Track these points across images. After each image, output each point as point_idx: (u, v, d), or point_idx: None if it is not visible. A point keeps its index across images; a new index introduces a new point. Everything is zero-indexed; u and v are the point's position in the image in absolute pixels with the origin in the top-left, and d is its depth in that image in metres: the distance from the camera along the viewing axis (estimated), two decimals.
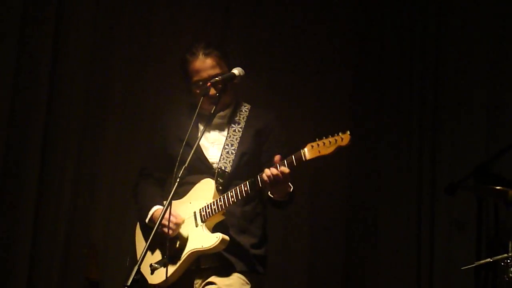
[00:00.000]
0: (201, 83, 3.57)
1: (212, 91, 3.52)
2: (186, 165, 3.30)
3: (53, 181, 4.97)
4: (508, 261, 3.82)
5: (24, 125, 4.90)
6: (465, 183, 4.25)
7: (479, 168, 4.24)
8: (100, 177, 5.14)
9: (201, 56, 3.59)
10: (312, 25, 5.61)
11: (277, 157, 3.38)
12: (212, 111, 3.50)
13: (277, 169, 3.34)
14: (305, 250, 5.49)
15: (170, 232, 3.44)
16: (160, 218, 3.21)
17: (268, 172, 3.36)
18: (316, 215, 5.50)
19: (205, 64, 3.59)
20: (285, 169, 3.34)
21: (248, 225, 3.58)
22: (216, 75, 3.55)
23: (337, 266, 5.51)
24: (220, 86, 3.51)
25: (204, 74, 3.57)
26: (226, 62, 3.62)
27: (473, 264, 3.98)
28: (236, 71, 3.53)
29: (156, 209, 3.60)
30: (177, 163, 3.31)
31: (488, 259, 3.88)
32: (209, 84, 3.50)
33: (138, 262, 3.06)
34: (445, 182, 4.48)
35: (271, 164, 3.39)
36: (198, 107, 3.45)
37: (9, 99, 4.83)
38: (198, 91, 3.57)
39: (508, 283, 3.84)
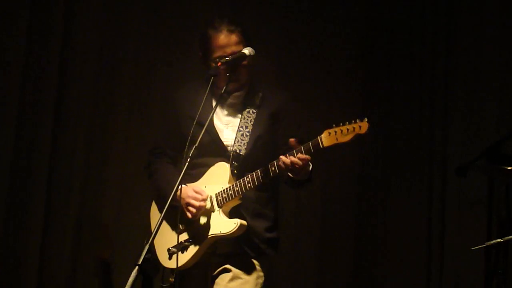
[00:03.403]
0: (228, 58, 3.51)
1: (223, 71, 3.50)
2: (197, 144, 3.29)
3: (64, 161, 5.00)
4: None
5: (34, 107, 4.93)
6: (477, 164, 4.23)
7: (491, 149, 4.21)
8: (111, 157, 5.16)
9: (226, 32, 3.56)
10: (323, 9, 5.59)
11: (292, 140, 3.35)
12: (223, 91, 3.49)
13: (295, 156, 3.33)
14: (316, 230, 5.49)
15: (194, 210, 3.47)
16: (166, 206, 3.16)
17: (286, 160, 3.34)
18: (327, 196, 5.51)
19: (230, 40, 3.55)
20: (303, 156, 3.33)
21: (263, 209, 3.58)
22: (232, 53, 3.52)
23: (347, 244, 5.52)
24: (231, 66, 3.49)
25: (229, 50, 3.54)
26: (247, 40, 3.59)
27: (483, 244, 3.98)
28: (246, 51, 3.52)
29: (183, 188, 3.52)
30: (187, 143, 3.31)
31: (499, 239, 3.87)
32: (219, 64, 3.49)
33: (150, 241, 3.07)
34: (456, 163, 4.47)
35: (288, 149, 3.38)
36: (209, 87, 3.43)
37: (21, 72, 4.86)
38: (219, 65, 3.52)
39: None
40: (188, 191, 3.51)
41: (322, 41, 5.57)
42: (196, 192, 3.51)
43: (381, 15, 5.67)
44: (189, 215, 3.51)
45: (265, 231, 3.57)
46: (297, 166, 3.35)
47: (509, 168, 3.97)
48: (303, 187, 3.56)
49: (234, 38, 3.56)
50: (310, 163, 3.43)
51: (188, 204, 3.50)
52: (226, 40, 3.56)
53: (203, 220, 3.52)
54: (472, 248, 4.04)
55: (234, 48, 3.54)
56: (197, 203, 3.49)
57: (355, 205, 5.55)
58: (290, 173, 3.44)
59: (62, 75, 5.00)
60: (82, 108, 5.08)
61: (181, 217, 3.50)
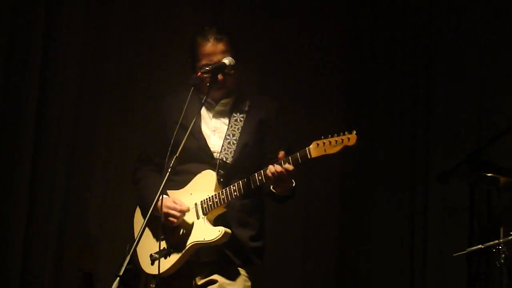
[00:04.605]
0: (208, 68, 3.51)
1: (220, 77, 3.51)
2: (177, 154, 3.27)
3: (47, 171, 4.99)
4: (500, 247, 3.84)
5: (17, 110, 4.92)
6: (458, 171, 4.25)
7: (471, 156, 4.24)
8: (95, 167, 5.15)
9: (213, 40, 3.56)
10: (305, 19, 5.61)
11: (281, 153, 3.37)
12: (203, 100, 3.49)
13: (282, 166, 3.34)
14: (299, 235, 5.50)
15: (175, 220, 3.46)
16: (149, 213, 3.15)
17: (272, 169, 3.35)
18: (309, 204, 5.51)
19: (216, 49, 3.55)
20: (290, 167, 3.34)
21: (247, 218, 3.57)
22: (207, 65, 3.51)
23: (331, 250, 5.52)
24: (210, 75, 3.48)
25: (215, 59, 3.54)
26: (235, 50, 3.59)
27: (465, 250, 4.00)
28: (226, 60, 3.52)
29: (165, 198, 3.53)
30: (169, 148, 3.30)
31: (480, 246, 3.90)
32: (199, 73, 3.49)
33: (131, 252, 3.06)
34: (438, 170, 4.49)
35: (275, 160, 3.38)
36: (189, 97, 3.41)
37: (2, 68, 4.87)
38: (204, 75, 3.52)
39: (500, 268, 3.87)
40: (167, 201, 3.51)
41: (305, 51, 5.59)
42: (175, 203, 3.51)
43: (363, 27, 5.70)
44: (170, 223, 3.51)
45: (250, 240, 3.56)
46: (282, 177, 3.35)
47: (490, 174, 4.00)
48: (284, 203, 3.57)
49: (220, 46, 3.57)
50: (293, 181, 3.45)
51: (167, 215, 3.50)
52: (212, 48, 3.56)
53: (187, 227, 3.52)
54: (454, 255, 4.07)
55: (219, 57, 3.55)
56: (174, 212, 3.50)
57: (338, 213, 5.56)
58: (274, 187, 3.45)
59: (43, 84, 4.99)
60: (64, 118, 5.07)
61: (164, 225, 3.51)
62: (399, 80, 5.60)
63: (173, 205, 3.51)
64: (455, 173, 4.23)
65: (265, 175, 3.39)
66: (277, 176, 3.35)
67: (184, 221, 3.53)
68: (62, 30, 5.08)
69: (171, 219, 3.50)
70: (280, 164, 3.34)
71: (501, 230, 3.90)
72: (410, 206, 5.42)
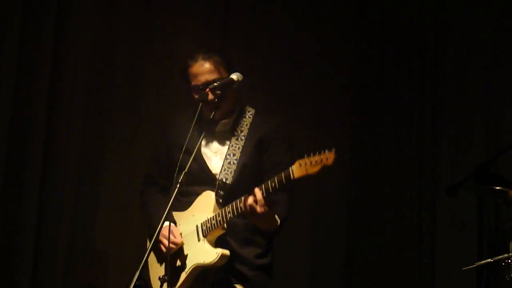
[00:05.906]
0: (200, 87, 3.51)
1: (210, 97, 3.48)
2: (186, 170, 3.28)
3: (55, 187, 5.00)
4: (509, 261, 3.82)
5: (25, 128, 4.94)
6: (466, 184, 4.25)
7: (479, 169, 4.23)
8: (103, 182, 5.16)
9: (200, 60, 3.54)
10: (309, 27, 5.61)
11: (256, 190, 3.35)
12: (211, 117, 3.48)
13: (259, 192, 3.32)
14: (306, 252, 5.48)
15: (167, 251, 3.44)
16: (156, 234, 3.19)
17: (245, 202, 3.35)
18: (317, 218, 5.50)
19: (202, 68, 3.53)
20: (259, 195, 3.32)
21: (252, 236, 3.56)
22: (213, 81, 3.50)
23: (338, 265, 5.51)
24: (218, 91, 3.47)
25: (202, 79, 3.52)
26: (227, 68, 3.56)
27: (474, 264, 3.99)
28: (234, 76, 3.49)
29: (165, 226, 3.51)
30: (176, 171, 3.31)
31: (489, 259, 3.89)
32: (207, 89, 3.48)
33: (140, 268, 3.07)
34: (446, 184, 4.49)
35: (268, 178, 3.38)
36: (197, 114, 3.42)
37: (11, 93, 4.88)
38: (196, 96, 3.52)
39: (509, 283, 3.86)
40: (164, 230, 3.46)
41: (309, 53, 5.58)
42: (173, 234, 3.51)
43: (370, 45, 5.70)
44: (162, 248, 3.52)
45: (256, 258, 3.55)
46: (253, 209, 3.33)
47: (498, 188, 3.99)
48: (269, 237, 3.56)
49: (207, 66, 3.54)
50: (278, 218, 3.45)
51: (160, 242, 3.51)
52: (198, 68, 3.54)
53: (190, 249, 3.53)
54: (463, 268, 4.06)
55: (207, 77, 3.52)
56: (165, 241, 3.47)
57: (345, 226, 5.55)
58: (254, 223, 3.45)
59: (51, 100, 5.01)
60: (72, 134, 5.09)
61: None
62: (407, 93, 5.59)
63: (167, 235, 3.47)
64: (464, 186, 4.23)
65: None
66: (248, 210, 3.33)
67: (187, 243, 3.53)
68: (70, 43, 5.11)
69: (161, 247, 3.51)
70: (261, 189, 3.32)
71: (510, 243, 3.89)
72: (418, 219, 5.40)
